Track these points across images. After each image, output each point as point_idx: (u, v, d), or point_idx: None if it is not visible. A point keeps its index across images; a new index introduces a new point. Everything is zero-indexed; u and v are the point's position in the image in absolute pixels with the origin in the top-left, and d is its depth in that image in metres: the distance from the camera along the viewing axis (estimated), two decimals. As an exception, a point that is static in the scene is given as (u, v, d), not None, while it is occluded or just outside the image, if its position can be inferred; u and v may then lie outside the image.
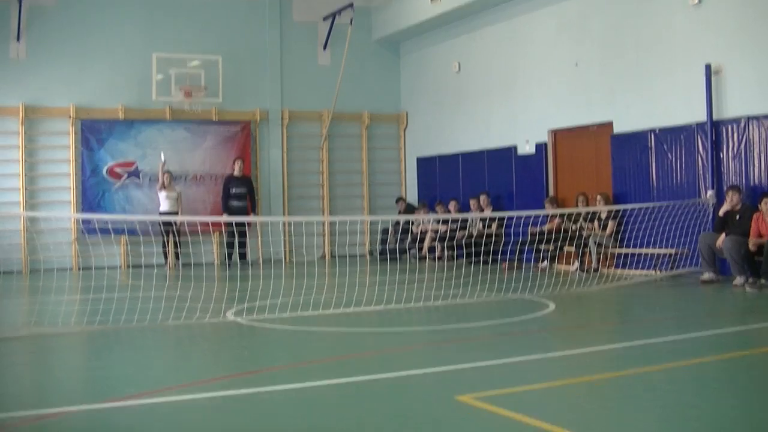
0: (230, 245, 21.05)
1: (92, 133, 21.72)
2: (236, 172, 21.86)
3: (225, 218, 19.40)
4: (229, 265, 20.89)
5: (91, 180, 21.65)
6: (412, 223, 22.66)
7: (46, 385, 8.42)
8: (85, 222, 20.12)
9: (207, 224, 20.59)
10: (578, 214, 17.89)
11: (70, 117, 21.59)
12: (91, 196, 21.57)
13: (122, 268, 21.27)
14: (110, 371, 8.77)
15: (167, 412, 6.98)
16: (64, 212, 21.24)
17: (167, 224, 19.04)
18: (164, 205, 20.81)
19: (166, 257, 20.61)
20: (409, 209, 23.93)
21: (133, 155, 22.04)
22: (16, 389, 8.14)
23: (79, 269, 20.82)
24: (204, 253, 21.52)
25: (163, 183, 20.81)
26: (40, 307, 12.72)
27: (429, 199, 23.70)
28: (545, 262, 18.42)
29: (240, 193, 21.65)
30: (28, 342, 10.50)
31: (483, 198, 20.99)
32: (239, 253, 20.57)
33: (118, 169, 21.88)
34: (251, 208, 21.86)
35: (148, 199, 21.87)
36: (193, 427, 6.49)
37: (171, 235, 20.05)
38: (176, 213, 20.67)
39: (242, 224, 19.74)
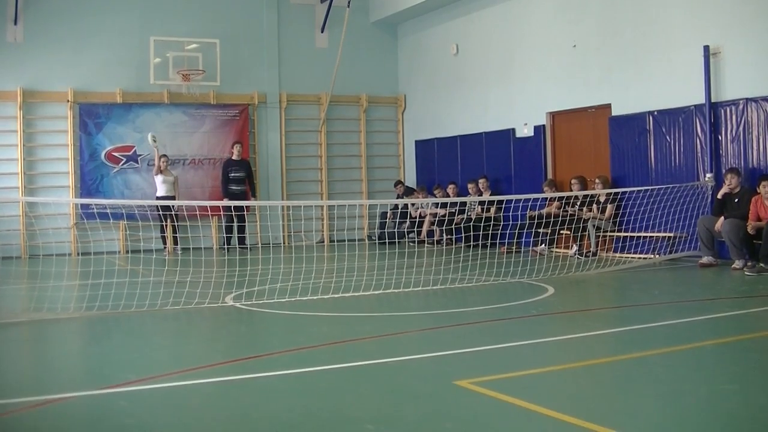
0: (229, 230, 21.06)
1: (90, 117, 21.69)
2: (235, 156, 21.88)
3: (222, 202, 19.38)
4: (228, 249, 20.89)
5: (89, 164, 21.62)
6: (411, 207, 22.66)
7: (46, 371, 8.43)
8: (84, 207, 20.13)
9: (206, 209, 20.61)
10: (576, 198, 17.90)
11: (68, 101, 21.55)
12: (89, 181, 21.54)
13: (121, 253, 21.27)
14: (110, 357, 8.79)
15: (167, 397, 7.00)
16: (62, 197, 21.21)
17: (165, 209, 19.03)
18: (161, 190, 20.81)
19: (164, 242, 20.59)
20: (408, 192, 23.93)
21: (131, 139, 22.00)
22: (16, 375, 8.16)
23: (78, 254, 20.85)
24: (203, 238, 21.51)
25: (160, 167, 20.79)
26: (40, 292, 12.74)
27: (427, 183, 23.72)
28: (543, 245, 18.41)
29: (239, 177, 21.65)
30: (27, 327, 10.53)
31: (482, 182, 21.00)
32: (238, 238, 20.59)
33: (116, 154, 21.85)
34: (250, 192, 21.86)
35: (147, 183, 21.83)
36: (194, 412, 6.50)
37: (169, 220, 20.04)
38: (173, 197, 20.59)
39: (241, 208, 19.74)
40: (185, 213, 21.11)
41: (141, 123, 22.09)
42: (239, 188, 21.56)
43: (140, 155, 21.96)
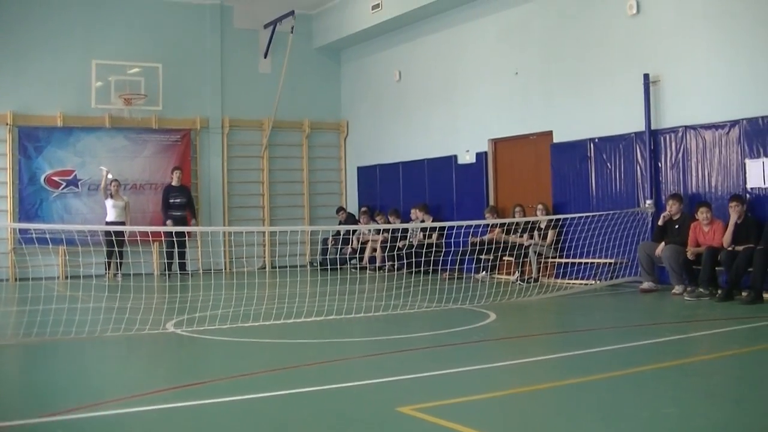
0: (170, 255, 20.89)
1: (30, 140, 21.48)
2: (174, 182, 21.79)
3: (169, 228, 19.20)
4: (168, 275, 20.73)
5: (28, 188, 21.40)
6: (353, 233, 22.65)
7: (-18, 399, 8.30)
8: (23, 232, 19.86)
9: (147, 234, 20.43)
10: (517, 225, 17.99)
11: (7, 124, 21.32)
12: (28, 205, 21.32)
13: (60, 279, 21.04)
14: (49, 384, 8.66)
15: (109, 424, 6.91)
16: (0, 222, 20.94)
17: (113, 235, 18.64)
18: (111, 215, 20.60)
19: (108, 267, 20.37)
20: (350, 219, 23.92)
21: (71, 163, 21.81)
22: (-48, 403, 8.02)
23: (16, 280, 20.58)
24: (143, 264, 21.32)
25: (110, 192, 20.59)
26: (-23, 318, 12.56)
27: (369, 209, 23.69)
28: (484, 272, 18.44)
29: (179, 203, 21.54)
30: (-37, 354, 10.36)
31: (420, 209, 21.00)
32: (179, 264, 20.42)
33: (56, 178, 21.65)
34: (191, 218, 21.73)
35: (88, 208, 21.67)
36: (133, 440, 6.43)
37: (116, 246, 19.70)
38: (123, 223, 20.41)
39: (182, 234, 19.59)
40: (126, 239, 20.83)
41: (82, 147, 21.92)
42: (180, 213, 21.43)
43: (80, 180, 21.78)
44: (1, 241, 21.07)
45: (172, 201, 21.47)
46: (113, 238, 18.13)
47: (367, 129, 24.76)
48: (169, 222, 20.94)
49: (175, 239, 19.69)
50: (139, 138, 22.64)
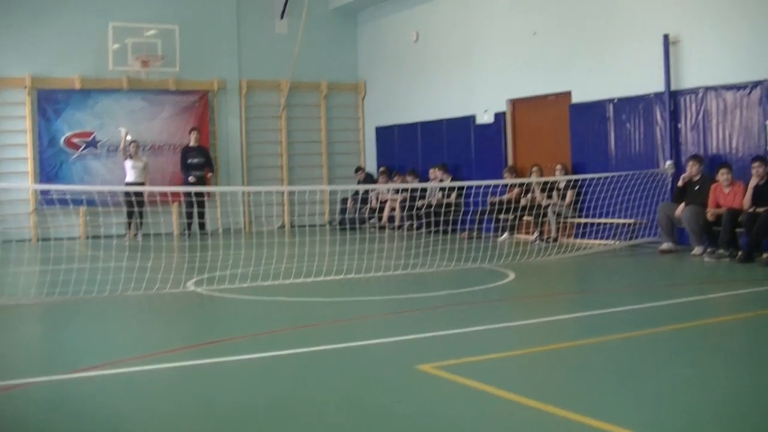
0: (189, 215, 20.94)
1: (49, 103, 21.51)
2: (192, 143, 21.88)
3: (187, 188, 19.22)
4: (188, 235, 20.79)
5: (48, 151, 21.45)
6: (372, 193, 22.67)
7: (6, 357, 8.37)
8: (44, 193, 19.93)
9: (166, 195, 20.49)
10: (536, 185, 17.97)
11: (26, 87, 21.33)
12: (48, 167, 21.38)
13: (81, 239, 21.13)
14: (71, 342, 8.75)
15: (128, 382, 6.97)
16: (22, 183, 21.04)
17: (132, 195, 18.59)
18: (130, 176, 20.59)
19: (128, 228, 20.43)
20: (368, 179, 23.93)
21: (90, 125, 21.84)
22: (-24, 361, 8.11)
23: (38, 240, 20.68)
24: (163, 224, 21.38)
25: (130, 153, 20.65)
26: (0, 278, 12.65)
27: (387, 169, 23.68)
28: (505, 234, 18.43)
29: (197, 164, 21.62)
30: (-14, 314, 10.46)
31: (439, 168, 20.98)
32: (198, 224, 20.48)
33: (75, 140, 21.68)
34: (210, 179, 21.79)
35: (107, 169, 21.71)
36: (155, 397, 6.49)
37: (135, 206, 19.70)
38: (142, 183, 20.42)
39: (201, 194, 19.63)
40: (145, 199, 20.82)
41: (100, 109, 21.94)
42: (199, 173, 21.52)
43: (99, 141, 21.81)
44: (23, 202, 21.13)
45: (190, 161, 21.54)
46: (133, 198, 18.21)
47: (385, 89, 24.70)
48: (191, 179, 21.05)
49: (194, 199, 19.72)
50: (156, 99, 22.65)
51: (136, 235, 20.07)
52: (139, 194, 18.58)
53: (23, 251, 16.84)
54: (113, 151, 21.57)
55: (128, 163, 20.57)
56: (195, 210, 20.32)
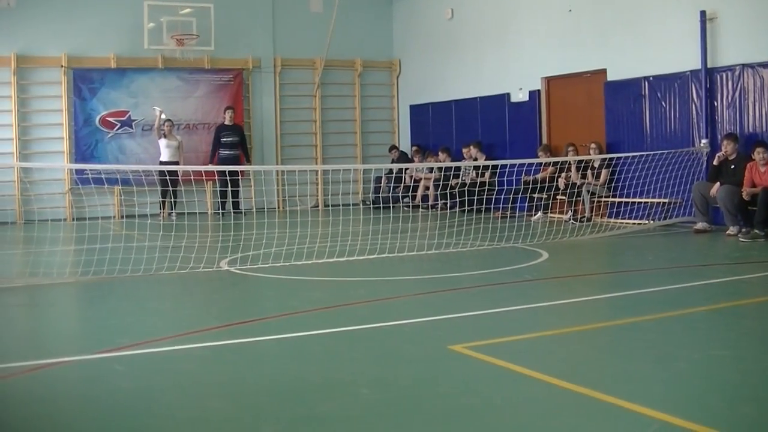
0: (223, 194, 20.92)
1: (84, 82, 21.62)
2: (227, 121, 21.89)
3: (222, 168, 19.15)
4: (222, 214, 20.82)
5: (83, 130, 21.57)
6: (405, 171, 22.66)
7: (41, 336, 8.46)
8: (79, 172, 20.00)
9: (200, 174, 20.54)
10: (570, 164, 17.89)
11: (61, 66, 21.44)
12: (83, 146, 21.51)
13: (116, 218, 21.24)
14: (105, 321, 8.80)
15: (162, 361, 7.01)
16: (57, 163, 21.16)
17: (167, 174, 18.56)
18: (164, 155, 20.70)
19: (162, 206, 20.48)
20: (403, 158, 23.92)
21: (125, 104, 21.94)
22: (11, 339, 8.17)
23: (73, 220, 20.82)
24: (197, 203, 21.45)
25: (164, 132, 20.73)
26: (35, 257, 12.71)
27: (421, 147, 23.65)
28: (539, 213, 18.38)
29: (231, 142, 21.69)
30: (22, 292, 10.54)
31: (474, 150, 20.94)
32: (232, 203, 20.49)
33: (110, 119, 21.79)
34: (244, 157, 21.83)
35: (142, 148, 21.83)
36: (188, 376, 6.52)
37: (170, 185, 19.71)
38: (177, 162, 20.46)
39: (235, 173, 19.64)
40: (179, 178, 20.79)
41: (135, 88, 22.04)
42: (232, 153, 21.61)
43: (134, 120, 21.91)
44: (59, 181, 21.27)
45: (223, 140, 21.60)
46: (167, 177, 18.26)
47: (420, 67, 24.64)
48: (211, 163, 21.07)
49: (228, 178, 19.74)
50: (191, 78, 22.72)
51: (170, 214, 20.14)
52: (173, 173, 18.56)
53: (58, 231, 16.95)
54: (148, 130, 21.66)
55: (162, 142, 20.65)
56: (229, 189, 20.23)
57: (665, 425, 5.11)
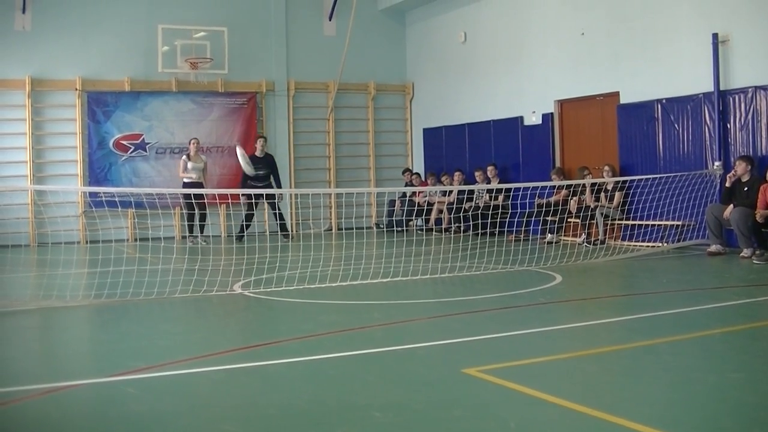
0: (249, 218, 20.31)
1: (98, 105, 21.70)
2: (258, 152, 20.81)
3: (244, 191, 18.43)
4: (240, 238, 20.43)
5: (97, 153, 21.64)
6: (419, 195, 22.66)
7: (54, 358, 8.46)
8: (92, 195, 20.03)
9: (214, 197, 20.44)
10: (584, 187, 17.87)
11: (76, 89, 21.56)
12: (97, 169, 21.57)
13: (129, 241, 21.28)
14: (118, 344, 8.81)
15: (176, 384, 7.02)
16: (71, 185, 21.23)
17: (191, 197, 18.12)
18: (189, 176, 19.98)
19: (191, 230, 19.99)
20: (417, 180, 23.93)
21: (139, 127, 22.02)
22: (25, 362, 8.19)
23: (86, 242, 20.87)
24: (210, 226, 21.41)
25: (188, 152, 20.22)
26: (48, 280, 12.75)
27: (436, 170, 23.68)
28: (551, 234, 18.36)
29: (261, 175, 20.47)
30: (36, 315, 10.56)
31: (490, 169, 20.96)
32: (280, 225, 19.68)
33: (124, 142, 21.86)
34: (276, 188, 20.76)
35: (155, 171, 21.89)
36: (202, 399, 6.51)
37: (197, 208, 19.25)
38: (201, 184, 19.73)
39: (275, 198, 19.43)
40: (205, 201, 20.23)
41: (149, 111, 22.12)
42: (261, 185, 20.15)
43: (148, 143, 21.98)
44: (72, 204, 21.32)
45: (255, 173, 20.35)
46: (193, 201, 17.95)
47: (433, 91, 24.68)
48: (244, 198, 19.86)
49: (267, 202, 19.43)
50: (205, 101, 22.79)
51: (197, 237, 19.81)
52: (199, 196, 18.17)
53: (72, 253, 16.98)
54: (162, 153, 21.69)
55: (189, 165, 20.05)
56: (277, 212, 19.67)
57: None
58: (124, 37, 22.06)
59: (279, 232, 19.98)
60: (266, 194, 18.97)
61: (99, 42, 21.83)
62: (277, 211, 20.02)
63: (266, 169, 20.66)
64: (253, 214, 20.36)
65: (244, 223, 20.59)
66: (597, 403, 5.94)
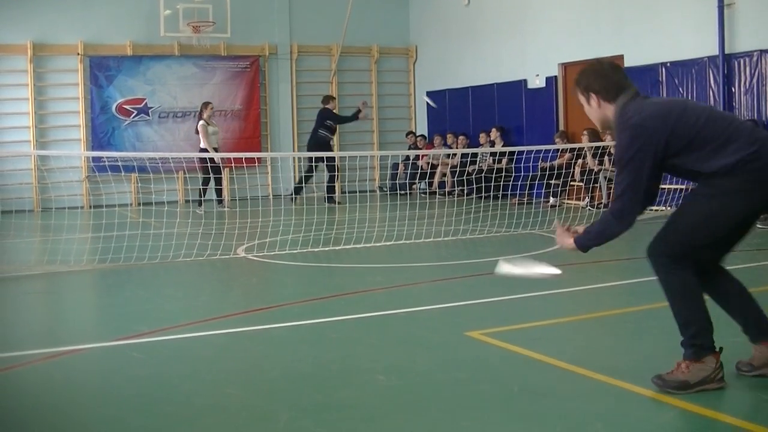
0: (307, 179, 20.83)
1: (100, 69, 21.64)
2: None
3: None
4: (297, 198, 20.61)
5: (100, 117, 21.59)
6: (422, 159, 22.62)
7: (59, 323, 8.50)
8: (96, 160, 20.01)
9: (229, 161, 20.25)
10: (588, 150, 17.84)
11: (78, 54, 21.47)
12: (100, 134, 21.53)
13: (133, 206, 21.28)
14: (122, 308, 8.83)
15: (180, 348, 7.05)
16: (74, 150, 21.21)
17: (206, 161, 17.97)
18: (208, 141, 19.34)
19: (219, 194, 19.70)
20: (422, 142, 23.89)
21: (142, 92, 21.95)
22: (30, 327, 8.22)
23: (90, 207, 20.86)
24: (213, 191, 21.30)
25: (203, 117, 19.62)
26: (53, 245, 12.77)
27: (440, 133, 23.62)
28: (554, 198, 18.34)
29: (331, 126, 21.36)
30: (40, 280, 10.58)
31: (494, 132, 20.91)
32: (327, 187, 20.14)
33: (127, 106, 21.81)
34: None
35: (158, 136, 21.85)
36: (206, 363, 6.53)
37: (211, 173, 18.97)
38: (216, 149, 19.27)
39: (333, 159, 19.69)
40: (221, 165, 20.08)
41: (152, 75, 22.04)
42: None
43: (151, 107, 21.93)
44: (76, 169, 21.27)
45: (328, 122, 21.23)
46: (217, 165, 17.94)
47: (436, 54, 24.59)
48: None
49: (326, 164, 19.55)
50: (207, 65, 22.71)
51: (222, 202, 19.62)
52: (213, 161, 18.11)
53: (76, 218, 17.00)
54: (164, 118, 21.65)
55: (209, 129, 19.48)
56: (326, 174, 19.92)
57: (683, 412, 5.12)
58: (126, 1, 21.94)
59: (325, 195, 20.27)
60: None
61: (100, 6, 21.70)
62: (334, 173, 20.23)
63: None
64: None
65: (327, 184, 20.79)
66: (599, 367, 5.96)
